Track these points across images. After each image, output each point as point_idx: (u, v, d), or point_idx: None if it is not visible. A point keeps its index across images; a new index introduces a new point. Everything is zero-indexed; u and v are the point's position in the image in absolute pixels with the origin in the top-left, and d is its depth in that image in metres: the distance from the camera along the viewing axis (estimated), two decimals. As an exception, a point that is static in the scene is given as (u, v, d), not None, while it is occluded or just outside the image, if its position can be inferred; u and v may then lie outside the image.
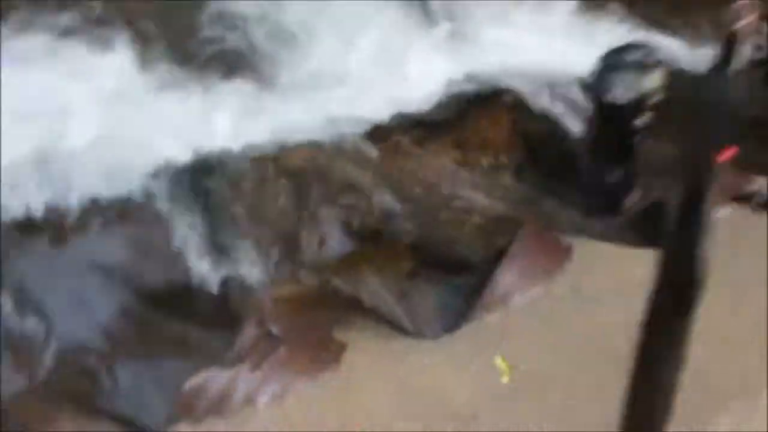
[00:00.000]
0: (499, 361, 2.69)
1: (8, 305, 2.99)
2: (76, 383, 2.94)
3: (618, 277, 2.68)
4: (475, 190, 3.59)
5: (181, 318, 3.13)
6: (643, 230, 2.85)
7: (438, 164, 3.67)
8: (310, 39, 3.85)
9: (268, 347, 2.76)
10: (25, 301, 3.03)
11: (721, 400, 2.50)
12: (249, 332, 2.73)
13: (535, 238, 2.75)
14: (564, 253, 2.75)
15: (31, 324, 2.99)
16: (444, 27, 4.00)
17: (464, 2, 4.10)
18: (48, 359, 2.92)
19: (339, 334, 2.91)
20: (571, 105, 3.86)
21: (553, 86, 3.92)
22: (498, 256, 3.19)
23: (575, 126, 3.76)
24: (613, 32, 4.12)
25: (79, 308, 3.06)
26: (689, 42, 4.09)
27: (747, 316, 2.72)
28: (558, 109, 3.87)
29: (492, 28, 4.06)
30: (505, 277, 2.66)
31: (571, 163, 3.65)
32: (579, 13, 4.17)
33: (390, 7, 4.07)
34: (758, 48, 1.69)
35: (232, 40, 3.85)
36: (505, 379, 2.67)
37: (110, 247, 3.29)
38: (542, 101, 3.87)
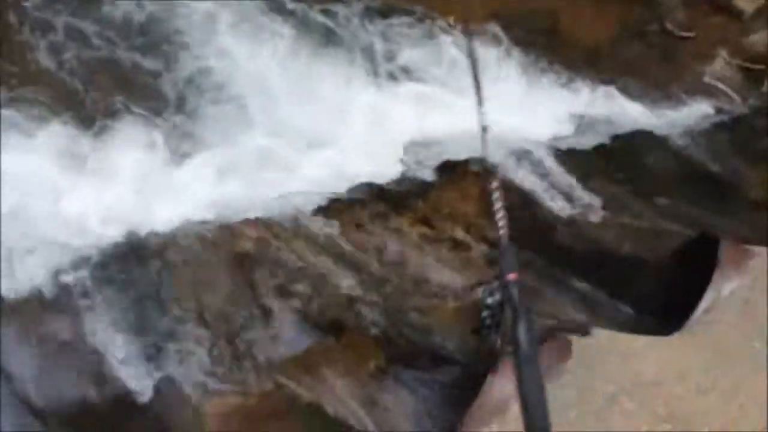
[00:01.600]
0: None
1: None
2: None
3: (630, 372, 2.30)
4: (446, 268, 3.19)
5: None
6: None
7: (402, 241, 3.27)
8: (257, 103, 3.45)
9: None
10: None
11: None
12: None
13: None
14: (564, 348, 2.35)
15: None
16: (405, 88, 3.66)
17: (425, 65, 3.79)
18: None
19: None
20: (543, 174, 3.57)
21: (520, 155, 3.63)
22: (480, 349, 2.77)
23: (549, 196, 3.46)
24: (564, 93, 3.89)
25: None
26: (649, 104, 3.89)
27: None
28: (526, 177, 3.56)
29: (455, 91, 3.75)
30: (500, 381, 2.23)
31: (550, 234, 3.35)
32: (536, 80, 3.93)
33: (342, 64, 3.74)
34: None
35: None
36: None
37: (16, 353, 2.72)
38: (512, 169, 3.55)
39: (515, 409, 2.23)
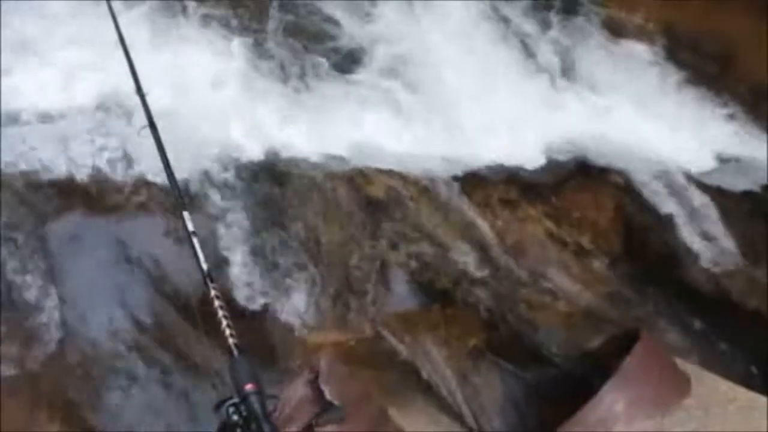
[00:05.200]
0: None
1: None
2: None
3: (746, 427, 2.20)
4: (565, 271, 3.12)
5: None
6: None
7: (527, 231, 3.21)
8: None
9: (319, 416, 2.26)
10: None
11: None
12: (297, 390, 2.22)
13: (652, 357, 2.27)
14: (683, 385, 2.26)
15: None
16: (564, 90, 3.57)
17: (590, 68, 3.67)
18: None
19: (394, 413, 2.41)
20: (679, 199, 3.43)
21: (660, 176, 3.49)
22: (586, 358, 2.72)
23: (683, 221, 3.32)
24: (722, 129, 3.71)
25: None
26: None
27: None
28: (665, 202, 3.43)
29: (611, 101, 3.64)
30: (611, 396, 2.17)
31: (677, 266, 3.23)
32: (697, 109, 3.75)
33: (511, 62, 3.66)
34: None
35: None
36: None
37: (139, 231, 2.83)
38: (652, 190, 3.43)
39: (619, 428, 2.19)
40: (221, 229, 2.84)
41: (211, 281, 1.70)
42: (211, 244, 2.78)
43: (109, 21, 2.24)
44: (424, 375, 2.62)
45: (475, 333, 2.85)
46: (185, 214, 1.80)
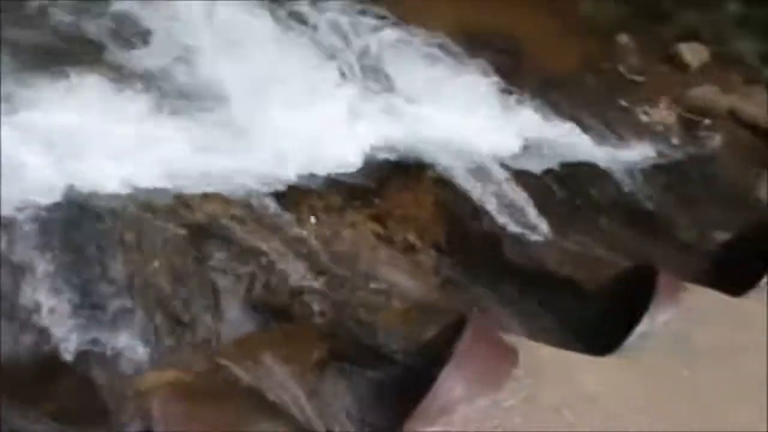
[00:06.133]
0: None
1: None
2: None
3: (571, 385, 2.39)
4: (396, 269, 3.21)
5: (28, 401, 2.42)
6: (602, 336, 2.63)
7: (355, 236, 3.26)
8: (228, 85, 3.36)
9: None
10: None
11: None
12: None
13: (482, 337, 2.39)
14: (512, 356, 2.41)
15: None
16: (376, 99, 3.67)
17: (392, 69, 3.82)
18: None
19: (242, 441, 2.34)
20: (490, 185, 3.67)
21: (474, 165, 3.72)
22: (423, 350, 2.81)
23: (499, 211, 3.56)
24: (521, 116, 4.03)
25: None
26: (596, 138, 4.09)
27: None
28: (478, 189, 3.64)
29: (417, 100, 3.81)
30: (448, 383, 2.27)
31: (496, 248, 3.44)
32: (499, 102, 4.04)
33: (312, 64, 3.72)
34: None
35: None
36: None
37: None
38: (465, 180, 3.63)
39: (462, 410, 2.29)
40: (28, 277, 2.61)
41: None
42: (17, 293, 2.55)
43: None
44: (271, 397, 2.57)
45: (316, 345, 2.84)
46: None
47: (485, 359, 2.33)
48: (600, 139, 4.07)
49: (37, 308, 2.56)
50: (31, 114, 2.92)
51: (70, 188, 2.84)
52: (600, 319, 3.00)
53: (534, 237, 3.50)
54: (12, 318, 2.54)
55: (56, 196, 2.79)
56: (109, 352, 2.60)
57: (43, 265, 2.66)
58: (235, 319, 2.84)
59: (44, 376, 2.48)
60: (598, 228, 3.67)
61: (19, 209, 2.71)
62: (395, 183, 3.50)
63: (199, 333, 2.77)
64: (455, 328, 2.53)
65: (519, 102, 4.03)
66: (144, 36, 3.53)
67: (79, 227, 2.79)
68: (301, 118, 3.39)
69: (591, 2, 4.73)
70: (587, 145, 4.01)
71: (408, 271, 3.20)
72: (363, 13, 4.01)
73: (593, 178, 3.89)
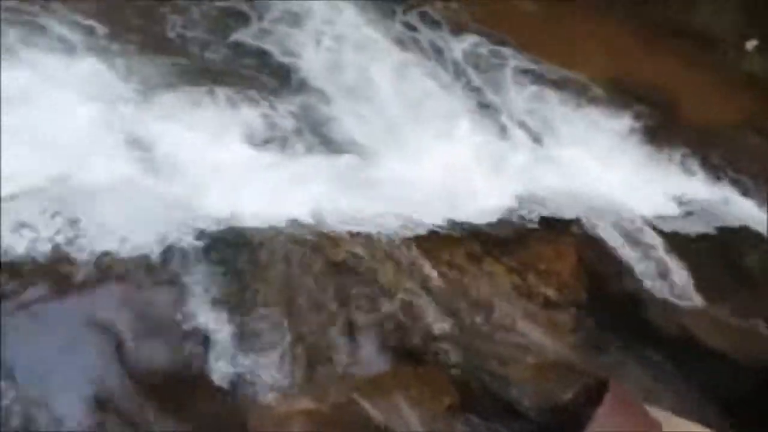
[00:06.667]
0: None
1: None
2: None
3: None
4: (533, 323, 3.15)
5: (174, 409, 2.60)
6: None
7: (493, 286, 3.24)
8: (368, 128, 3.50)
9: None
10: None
11: None
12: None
13: (623, 405, 2.28)
14: (654, 429, 2.28)
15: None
16: (519, 144, 3.67)
17: (545, 123, 3.79)
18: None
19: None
20: (638, 245, 3.52)
21: (621, 223, 3.59)
22: (558, 411, 2.72)
23: (642, 267, 3.40)
24: (674, 175, 3.84)
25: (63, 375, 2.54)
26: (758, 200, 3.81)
27: None
28: (624, 249, 3.51)
29: (564, 151, 3.75)
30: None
31: (640, 311, 3.28)
32: (650, 157, 3.89)
33: (454, 107, 3.77)
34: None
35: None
36: None
37: (110, 308, 2.79)
38: (611, 238, 3.51)
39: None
40: (189, 298, 2.82)
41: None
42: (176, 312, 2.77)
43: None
44: (400, 437, 2.59)
45: (448, 391, 2.83)
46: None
47: (625, 429, 2.22)
48: (762, 202, 3.81)
49: (195, 329, 2.75)
50: (213, 152, 3.18)
51: (232, 219, 3.05)
52: (754, 396, 2.77)
53: (683, 303, 3.31)
54: (171, 333, 2.74)
55: (221, 226, 3.01)
56: (252, 378, 2.73)
57: (204, 289, 2.86)
58: (370, 356, 2.91)
59: (189, 391, 2.65)
60: (755, 298, 3.41)
61: (189, 236, 2.94)
62: (538, 236, 3.45)
63: (336, 367, 2.85)
64: (594, 392, 2.44)
65: (671, 158, 3.87)
66: (293, 80, 3.71)
67: (237, 257, 2.98)
68: (443, 163, 3.44)
69: (757, 58, 4.47)
70: (747, 209, 3.76)
71: (545, 326, 3.13)
72: (503, 60, 3.97)
73: (753, 244, 3.63)
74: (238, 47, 3.67)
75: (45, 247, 2.71)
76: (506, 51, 3.98)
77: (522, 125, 3.73)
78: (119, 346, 2.64)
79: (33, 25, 3.38)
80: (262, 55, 3.67)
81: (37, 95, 3.13)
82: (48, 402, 2.51)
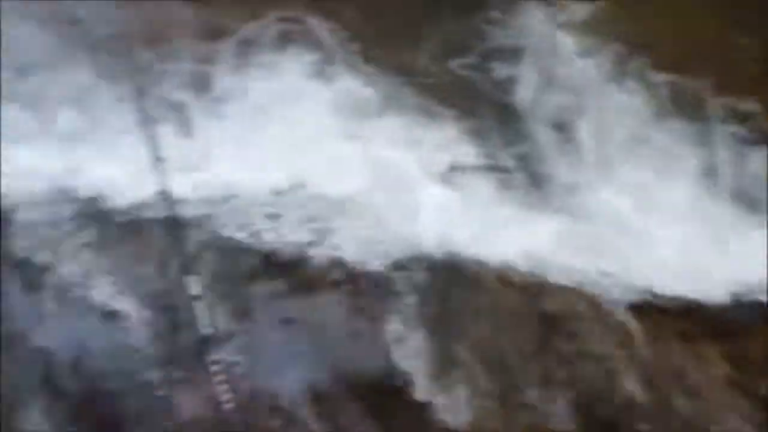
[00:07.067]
0: None
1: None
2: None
3: None
4: (741, 420, 2.92)
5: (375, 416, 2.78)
6: None
7: (703, 370, 3.05)
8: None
9: None
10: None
11: None
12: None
13: None
14: None
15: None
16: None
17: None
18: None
19: None
20: None
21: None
22: None
23: None
24: None
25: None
26: None
27: None
28: None
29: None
30: None
31: None
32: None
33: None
34: None
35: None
36: None
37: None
38: None
39: None
40: (400, 316, 3.00)
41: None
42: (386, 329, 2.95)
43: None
44: None
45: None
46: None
47: None
48: None
49: (398, 342, 2.90)
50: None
51: (447, 249, 3.17)
52: None
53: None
54: (377, 343, 2.92)
55: (436, 253, 3.14)
56: (441, 401, 2.83)
57: (415, 309, 3.01)
58: (559, 413, 2.87)
59: (391, 401, 2.81)
60: None
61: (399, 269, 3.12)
62: (762, 328, 3.18)
63: (521, 413, 2.86)
64: None
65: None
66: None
67: (449, 286, 3.10)
68: (675, 236, 3.29)
69: None
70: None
71: (755, 426, 2.88)
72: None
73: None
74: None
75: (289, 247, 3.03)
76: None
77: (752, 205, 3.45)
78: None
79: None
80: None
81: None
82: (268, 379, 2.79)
